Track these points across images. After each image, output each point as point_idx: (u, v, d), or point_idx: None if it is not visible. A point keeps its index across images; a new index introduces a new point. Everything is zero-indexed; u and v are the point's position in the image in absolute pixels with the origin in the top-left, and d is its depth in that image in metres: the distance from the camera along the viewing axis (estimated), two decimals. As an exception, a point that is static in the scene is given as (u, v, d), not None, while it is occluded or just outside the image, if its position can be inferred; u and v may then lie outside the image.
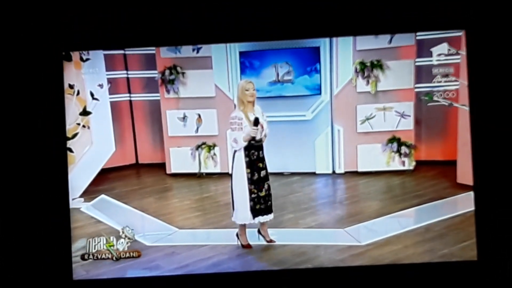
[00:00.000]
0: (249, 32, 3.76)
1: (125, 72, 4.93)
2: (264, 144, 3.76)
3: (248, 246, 3.74)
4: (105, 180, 4.52)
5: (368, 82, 4.56)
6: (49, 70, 3.65)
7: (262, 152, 3.75)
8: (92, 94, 4.32)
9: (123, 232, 3.62)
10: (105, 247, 3.62)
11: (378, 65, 4.48)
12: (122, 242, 3.58)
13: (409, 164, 4.55)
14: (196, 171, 4.83)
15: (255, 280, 3.58)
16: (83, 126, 4.28)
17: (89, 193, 4.23)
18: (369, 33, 4.05)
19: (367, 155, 4.66)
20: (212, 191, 4.64)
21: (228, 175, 4.52)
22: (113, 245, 3.58)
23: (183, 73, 4.71)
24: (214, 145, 4.82)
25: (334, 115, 4.83)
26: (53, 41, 3.66)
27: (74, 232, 3.65)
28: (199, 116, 4.81)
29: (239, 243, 3.76)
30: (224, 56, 4.73)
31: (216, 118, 4.84)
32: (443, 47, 4.04)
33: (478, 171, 3.59)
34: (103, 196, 4.26)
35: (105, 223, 3.93)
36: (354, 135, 4.71)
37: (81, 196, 4.18)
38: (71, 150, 4.10)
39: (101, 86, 4.39)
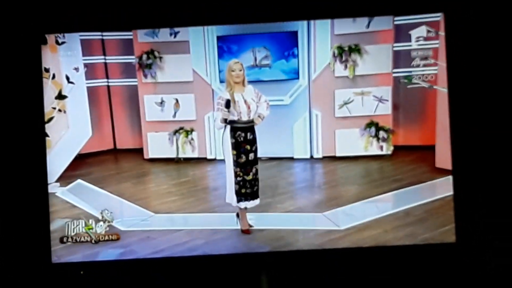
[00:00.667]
0: (226, 14, 3.56)
1: (103, 57, 4.60)
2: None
3: (246, 232, 3.56)
4: (82, 165, 4.23)
5: (346, 66, 4.30)
6: (27, 54, 3.48)
7: (252, 134, 3.58)
8: (67, 78, 4.02)
9: (102, 215, 3.43)
10: (84, 230, 3.43)
11: (356, 49, 4.21)
12: (101, 225, 3.42)
13: (387, 149, 4.30)
14: (174, 156, 4.56)
15: (234, 263, 3.42)
16: (59, 110, 3.96)
17: (65, 178, 3.91)
18: (346, 15, 3.88)
19: (345, 140, 4.41)
20: (189, 176, 4.39)
21: (206, 160, 4.39)
22: (92, 228, 3.42)
23: (160, 58, 4.43)
24: (192, 130, 4.55)
25: (312, 100, 4.59)
26: (32, 23, 3.47)
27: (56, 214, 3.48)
28: (177, 101, 4.53)
29: (239, 225, 3.58)
30: (202, 40, 4.44)
31: (194, 103, 4.57)
32: (422, 30, 3.85)
33: (457, 153, 3.43)
34: (79, 181, 3.98)
35: (80, 208, 3.65)
36: (332, 120, 4.47)
37: (57, 181, 3.84)
38: (46, 135, 3.79)
39: (77, 69, 4.10)
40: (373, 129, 4.29)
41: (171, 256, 3.40)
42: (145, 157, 4.60)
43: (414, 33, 3.89)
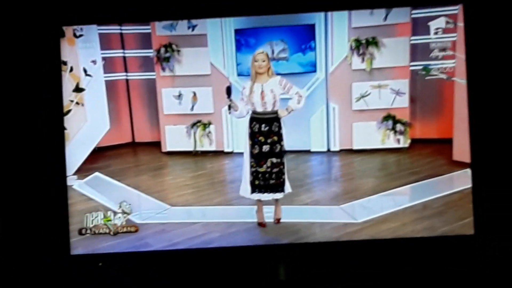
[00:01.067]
0: (243, 6, 3.45)
1: (121, 51, 4.47)
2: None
3: (261, 225, 3.46)
4: (101, 158, 4.12)
5: (363, 59, 4.16)
6: (46, 46, 3.41)
7: (268, 126, 3.44)
8: (85, 71, 3.93)
9: (120, 207, 3.36)
10: (102, 222, 3.40)
11: (373, 42, 4.06)
12: (119, 217, 3.35)
13: (404, 142, 4.14)
14: (192, 149, 4.44)
15: (251, 255, 3.32)
16: (77, 103, 3.85)
17: (83, 171, 3.81)
18: (365, 7, 3.74)
19: (362, 132, 4.27)
20: (207, 168, 4.27)
21: (223, 153, 4.28)
22: (110, 220, 3.35)
23: (178, 51, 4.31)
24: (210, 123, 4.41)
25: (329, 93, 4.45)
26: (50, 15, 3.39)
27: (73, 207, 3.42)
28: (194, 94, 4.39)
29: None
30: (220, 34, 4.30)
31: (212, 96, 4.43)
32: (441, 21, 3.69)
33: (475, 146, 3.31)
34: (97, 173, 3.89)
35: (97, 201, 3.55)
36: (349, 112, 4.33)
37: (74, 174, 3.74)
38: (64, 128, 3.68)
39: (94, 62, 4.00)
40: (390, 122, 4.15)
41: (189, 248, 3.30)
42: (163, 150, 4.48)
43: (433, 24, 3.73)
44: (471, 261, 3.40)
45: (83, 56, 3.93)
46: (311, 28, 4.23)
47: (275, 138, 3.49)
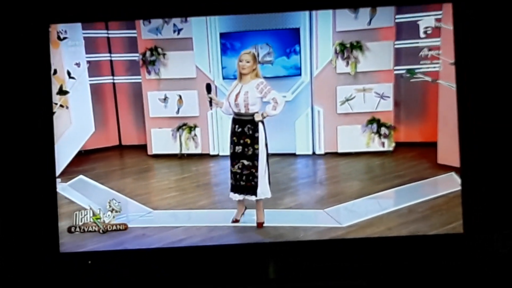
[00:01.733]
0: (227, 4, 3.25)
1: (108, 54, 4.26)
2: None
3: (235, 221, 3.27)
4: (87, 161, 3.89)
5: (347, 63, 3.94)
6: (34, 45, 3.20)
7: (241, 128, 3.21)
8: (69, 73, 3.66)
9: (109, 205, 3.15)
10: (91, 220, 3.21)
11: (357, 46, 3.87)
12: (108, 215, 3.13)
13: (388, 145, 3.94)
14: (177, 152, 4.21)
15: (240, 253, 3.12)
16: (61, 105, 3.60)
17: (68, 174, 3.56)
18: (353, 6, 3.53)
19: (347, 136, 4.04)
20: (192, 171, 4.03)
21: (209, 156, 4.07)
22: (99, 218, 3.14)
23: (164, 54, 4.07)
24: (195, 126, 4.20)
25: (314, 96, 4.23)
26: (37, 13, 3.17)
27: None
28: (180, 97, 4.16)
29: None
30: (205, 37, 4.10)
31: (197, 99, 4.18)
32: (430, 20, 3.49)
33: (464, 141, 3.13)
34: (81, 176, 3.63)
35: (78, 204, 3.29)
36: (334, 116, 4.10)
37: (59, 177, 3.48)
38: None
39: (78, 65, 3.75)
40: (374, 125, 3.94)
41: (179, 247, 3.09)
42: (149, 153, 4.25)
43: (422, 23, 3.53)
44: (460, 260, 3.16)
45: (67, 58, 3.69)
46: (296, 32, 4.01)
47: (248, 140, 3.27)
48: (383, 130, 3.95)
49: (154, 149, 4.24)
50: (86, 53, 3.91)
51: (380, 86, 3.92)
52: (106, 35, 4.22)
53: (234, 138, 3.27)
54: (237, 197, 3.32)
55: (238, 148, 3.25)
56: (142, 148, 4.30)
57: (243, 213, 3.38)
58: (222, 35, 4.03)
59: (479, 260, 3.20)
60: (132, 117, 4.44)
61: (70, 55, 3.71)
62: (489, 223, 3.19)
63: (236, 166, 3.28)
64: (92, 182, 3.63)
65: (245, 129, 3.25)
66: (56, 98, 3.59)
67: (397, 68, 3.86)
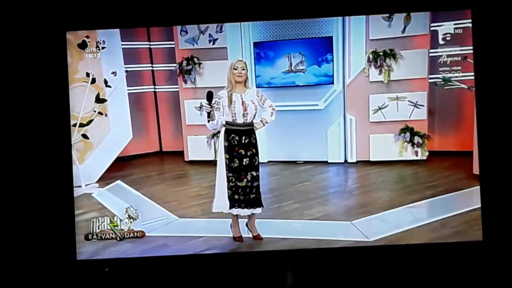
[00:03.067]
0: (261, 11, 2.86)
1: (149, 64, 3.96)
2: (262, 131, 2.85)
3: (239, 239, 2.80)
4: (128, 166, 3.66)
5: (381, 71, 3.51)
6: (52, 51, 2.83)
7: (248, 138, 2.77)
8: (106, 82, 3.42)
9: (126, 212, 2.79)
10: (109, 227, 2.85)
11: (391, 54, 3.42)
12: (126, 222, 2.79)
13: (422, 154, 3.49)
14: (212, 158, 3.85)
15: (258, 261, 2.73)
16: (100, 113, 3.38)
17: (107, 179, 3.35)
18: (372, 12, 3.13)
19: (380, 144, 3.61)
20: None
21: None
22: (117, 225, 2.80)
23: (199, 64, 3.76)
24: None
25: (346, 105, 3.80)
26: (56, 21, 2.81)
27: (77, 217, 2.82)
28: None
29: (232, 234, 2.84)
30: (239, 47, 3.74)
31: (231, 107, 4.01)
32: (449, 27, 3.11)
33: (484, 149, 2.76)
34: (119, 181, 3.35)
35: (109, 209, 2.96)
36: (366, 124, 3.68)
37: (97, 182, 3.35)
38: (86, 137, 3.28)
39: (114, 74, 3.47)
40: (408, 134, 3.49)
41: (195, 254, 2.71)
42: (186, 159, 3.92)
43: (442, 30, 3.15)
44: (479, 268, 2.72)
45: (105, 68, 3.43)
46: (328, 40, 3.59)
47: (254, 150, 2.83)
48: (417, 139, 3.49)
49: (190, 155, 3.91)
50: (128, 63, 3.64)
51: (414, 94, 3.49)
52: (147, 46, 3.91)
53: (241, 150, 2.79)
54: (246, 212, 2.83)
55: (246, 160, 2.80)
56: (181, 154, 3.96)
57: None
58: (256, 44, 3.69)
59: (498, 267, 2.72)
60: (172, 125, 4.12)
61: (108, 64, 3.44)
62: (508, 231, 2.71)
63: (244, 180, 2.80)
64: (126, 188, 3.32)
65: (251, 139, 2.81)
66: (95, 106, 3.39)
67: (432, 77, 3.40)
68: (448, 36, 3.12)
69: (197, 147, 3.93)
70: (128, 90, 3.72)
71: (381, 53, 3.49)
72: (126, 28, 3.52)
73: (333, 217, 2.96)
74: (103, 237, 2.83)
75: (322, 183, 3.48)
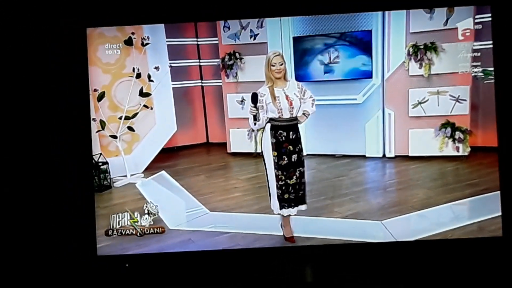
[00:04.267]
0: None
1: (197, 60, 3.76)
2: (304, 125, 2.52)
3: (291, 239, 2.49)
4: (176, 157, 3.46)
5: (421, 65, 3.12)
6: (73, 46, 2.64)
7: (295, 133, 2.47)
8: (149, 76, 3.24)
9: (146, 208, 2.59)
10: (129, 223, 2.63)
11: (432, 47, 3.02)
12: (146, 218, 2.57)
13: (463, 150, 3.05)
14: (253, 151, 3.64)
15: (277, 256, 2.51)
16: (146, 106, 3.23)
17: (153, 169, 3.19)
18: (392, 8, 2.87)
19: (419, 139, 3.22)
20: (261, 171, 3.30)
21: None
22: (137, 221, 2.58)
23: (241, 59, 3.49)
24: None
25: (385, 99, 3.42)
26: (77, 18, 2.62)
27: (116, 207, 2.66)
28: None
29: (283, 233, 2.54)
30: (279, 41, 3.40)
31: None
32: (469, 22, 2.75)
33: (503, 143, 2.55)
34: (163, 172, 3.19)
35: (147, 200, 2.75)
36: (405, 119, 3.28)
37: (144, 171, 3.21)
38: (132, 129, 3.18)
39: (157, 69, 3.25)
40: (448, 129, 3.07)
41: (215, 250, 2.47)
42: (228, 151, 3.66)
43: (461, 25, 2.77)
44: (499, 264, 2.44)
45: (150, 63, 3.25)
46: (368, 34, 3.23)
47: (300, 145, 2.52)
48: (458, 134, 3.07)
49: (232, 147, 3.64)
50: (175, 58, 3.46)
51: (456, 88, 3.06)
52: (195, 42, 3.65)
53: (290, 146, 2.49)
54: (294, 211, 2.55)
55: (295, 156, 2.50)
56: (225, 145, 3.74)
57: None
58: (295, 39, 3.38)
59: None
60: (217, 117, 3.86)
61: (152, 59, 3.26)
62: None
63: (294, 177, 2.50)
64: (168, 179, 3.14)
65: (298, 134, 2.52)
66: (140, 100, 3.22)
67: (475, 70, 2.96)
68: (468, 32, 2.76)
69: (238, 140, 3.68)
70: (175, 84, 3.50)
71: (422, 47, 3.10)
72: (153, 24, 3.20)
73: (363, 216, 2.62)
74: (123, 232, 2.61)
75: (357, 178, 3.11)
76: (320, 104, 3.17)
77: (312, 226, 2.57)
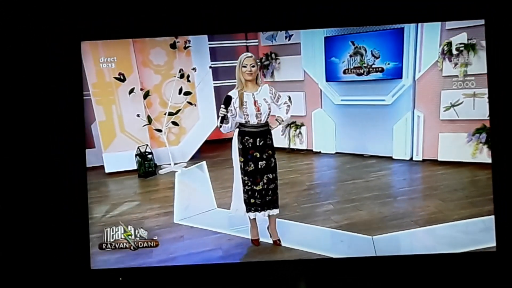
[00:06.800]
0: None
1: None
2: (331, 123, 2.28)
3: (255, 242, 2.05)
4: (221, 148, 3.03)
5: (456, 65, 2.48)
6: (68, 60, 2.18)
7: (263, 140, 2.00)
8: (188, 77, 3.01)
9: (137, 232, 2.15)
10: (122, 237, 2.19)
11: (470, 46, 2.30)
12: (143, 231, 2.16)
13: (499, 158, 2.48)
14: (287, 146, 3.18)
15: (270, 271, 2.03)
16: (189, 103, 3.04)
17: (196, 159, 3.00)
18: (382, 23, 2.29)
19: (450, 144, 2.51)
20: (284, 167, 2.81)
21: (312, 153, 3.02)
22: (130, 235, 2.18)
23: (276, 59, 3.07)
24: (302, 125, 3.08)
25: (415, 100, 2.74)
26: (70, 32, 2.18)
27: (150, 195, 2.50)
28: (289, 98, 3.23)
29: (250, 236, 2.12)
30: (311, 42, 2.91)
31: (304, 100, 3.09)
32: (463, 37, 2.20)
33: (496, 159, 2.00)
34: (204, 162, 2.96)
35: (176, 190, 2.56)
36: (436, 122, 2.59)
37: (189, 160, 3.04)
38: (176, 123, 3.01)
39: (194, 69, 3.00)
40: (484, 135, 2.33)
41: (210, 264, 2.02)
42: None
43: (455, 40, 2.24)
44: (493, 278, 1.94)
45: (193, 64, 3.01)
46: (399, 32, 2.57)
47: (270, 152, 2.03)
48: (494, 140, 2.44)
49: None
50: (220, 59, 3.11)
51: (495, 91, 2.43)
52: (245, 44, 3.30)
53: (256, 153, 2.01)
54: (261, 215, 2.06)
55: (262, 163, 2.01)
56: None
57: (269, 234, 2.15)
58: (327, 39, 2.86)
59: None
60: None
61: (194, 61, 3.02)
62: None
63: (260, 183, 2.02)
64: (204, 169, 2.88)
65: (267, 140, 2.03)
66: (184, 97, 3.03)
67: None
68: (462, 46, 2.19)
69: (274, 136, 3.37)
70: (216, 83, 3.17)
71: (459, 45, 2.44)
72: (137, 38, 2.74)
73: (357, 227, 2.03)
74: (117, 246, 2.18)
75: (372, 183, 2.48)
76: (349, 105, 2.69)
77: (298, 235, 2.06)
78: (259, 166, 2.01)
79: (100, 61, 2.66)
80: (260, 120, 1.99)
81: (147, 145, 3.06)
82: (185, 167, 3.07)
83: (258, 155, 2.01)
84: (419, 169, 2.61)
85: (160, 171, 3.05)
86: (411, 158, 2.74)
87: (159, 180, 2.91)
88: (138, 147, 2.97)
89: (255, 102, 1.98)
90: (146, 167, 3.05)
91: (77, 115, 2.21)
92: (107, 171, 2.89)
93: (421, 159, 2.70)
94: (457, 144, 2.48)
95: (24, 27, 2.22)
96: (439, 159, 2.60)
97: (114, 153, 3.00)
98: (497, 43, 2.00)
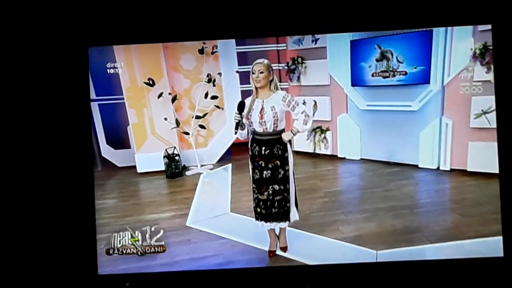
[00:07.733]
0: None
1: (277, 64, 3.27)
2: (356, 129, 2.20)
3: (270, 253, 1.99)
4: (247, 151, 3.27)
5: (489, 69, 2.16)
6: (75, 66, 2.17)
7: (269, 149, 1.91)
8: (214, 81, 2.98)
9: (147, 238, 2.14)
10: (130, 242, 2.17)
11: (504, 48, 2.20)
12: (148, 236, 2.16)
13: (535, 171, 2.20)
14: (312, 151, 3.06)
15: (275, 276, 1.95)
16: (217, 107, 3.01)
17: (224, 161, 2.96)
18: (387, 28, 2.20)
19: (480, 153, 2.28)
20: (306, 172, 2.73)
21: (337, 158, 2.89)
22: (138, 240, 2.16)
23: (302, 63, 2.97)
24: (327, 130, 2.96)
25: (443, 107, 2.52)
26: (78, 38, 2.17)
27: (172, 196, 2.53)
28: (315, 102, 2.95)
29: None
30: (337, 45, 2.78)
31: (329, 105, 2.96)
32: (470, 42, 2.08)
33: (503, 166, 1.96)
34: (229, 165, 2.94)
35: (197, 191, 2.57)
36: (466, 130, 2.35)
37: (217, 162, 3.01)
38: (203, 127, 3.00)
39: (220, 74, 2.97)
40: (518, 144, 2.23)
41: (216, 269, 1.98)
42: (292, 149, 3.32)
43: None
44: (500, 284, 1.87)
45: (219, 69, 2.96)
46: (428, 35, 2.37)
47: (278, 162, 1.92)
48: (529, 151, 2.17)
49: (295, 146, 3.09)
50: (250, 64, 3.19)
51: (532, 97, 2.15)
52: (276, 48, 3.31)
53: (261, 162, 1.95)
54: (268, 226, 2.00)
55: (267, 173, 1.93)
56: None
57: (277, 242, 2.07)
58: (353, 43, 2.73)
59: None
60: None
61: (222, 66, 2.97)
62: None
63: (265, 193, 1.95)
64: (228, 172, 2.87)
65: (274, 150, 1.92)
66: (211, 101, 3.02)
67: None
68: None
69: (300, 140, 3.14)
70: (243, 87, 3.11)
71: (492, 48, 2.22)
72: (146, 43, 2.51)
73: (364, 240, 1.91)
74: (124, 252, 2.16)
75: (391, 192, 2.32)
76: (375, 110, 2.54)
77: (301, 245, 1.97)
78: (264, 176, 1.95)
79: (133, 67, 2.79)
80: (266, 129, 1.92)
81: (174, 147, 3.12)
82: (211, 169, 3.11)
83: (263, 164, 1.95)
84: (445, 179, 2.39)
85: (187, 173, 3.09)
86: (438, 167, 2.52)
87: (184, 181, 2.94)
88: (165, 149, 3.04)
89: (261, 109, 1.91)
90: (173, 168, 3.11)
91: (85, 119, 2.21)
92: (139, 171, 3.00)
93: (448, 169, 2.47)
94: (487, 154, 2.25)
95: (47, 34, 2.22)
96: (468, 169, 2.36)
97: (145, 154, 3.11)
98: (505, 48, 1.81)
